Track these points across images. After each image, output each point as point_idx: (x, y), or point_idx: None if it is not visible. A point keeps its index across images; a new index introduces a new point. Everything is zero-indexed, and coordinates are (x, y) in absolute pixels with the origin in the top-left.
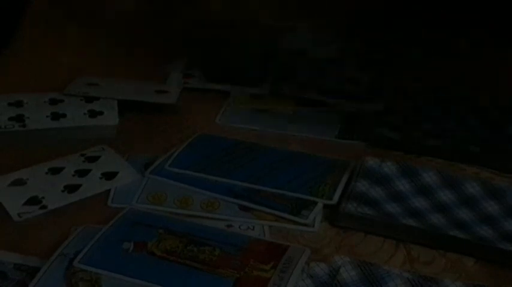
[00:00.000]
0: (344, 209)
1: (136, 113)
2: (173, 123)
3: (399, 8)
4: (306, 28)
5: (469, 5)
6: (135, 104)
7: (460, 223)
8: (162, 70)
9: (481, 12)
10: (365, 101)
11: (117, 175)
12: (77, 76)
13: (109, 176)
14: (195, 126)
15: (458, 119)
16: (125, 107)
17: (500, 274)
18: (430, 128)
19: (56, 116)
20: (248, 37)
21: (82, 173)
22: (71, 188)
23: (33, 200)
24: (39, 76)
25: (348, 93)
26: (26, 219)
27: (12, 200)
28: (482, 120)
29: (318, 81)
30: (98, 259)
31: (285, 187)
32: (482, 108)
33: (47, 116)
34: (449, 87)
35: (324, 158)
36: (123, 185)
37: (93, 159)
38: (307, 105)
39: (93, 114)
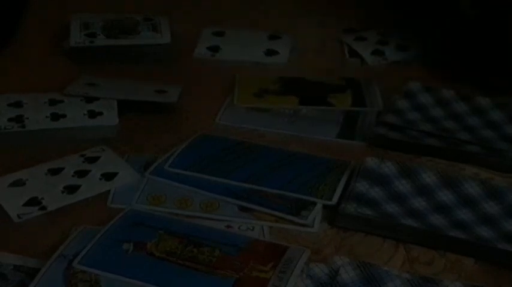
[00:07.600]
0: (344, 210)
1: (136, 113)
2: (173, 124)
3: None
4: None
5: None
6: (135, 104)
7: (460, 223)
8: None
9: None
10: None
11: (117, 175)
12: (77, 76)
13: (109, 176)
14: (195, 126)
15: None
16: (125, 107)
17: (500, 275)
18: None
19: (55, 117)
20: None
21: (82, 173)
22: (71, 189)
23: (32, 201)
24: (39, 76)
25: None
26: (25, 220)
27: (12, 201)
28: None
29: None
30: (97, 260)
31: (284, 187)
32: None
33: (47, 117)
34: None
35: (323, 158)
36: (122, 185)
37: (92, 159)
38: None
39: (92, 114)
